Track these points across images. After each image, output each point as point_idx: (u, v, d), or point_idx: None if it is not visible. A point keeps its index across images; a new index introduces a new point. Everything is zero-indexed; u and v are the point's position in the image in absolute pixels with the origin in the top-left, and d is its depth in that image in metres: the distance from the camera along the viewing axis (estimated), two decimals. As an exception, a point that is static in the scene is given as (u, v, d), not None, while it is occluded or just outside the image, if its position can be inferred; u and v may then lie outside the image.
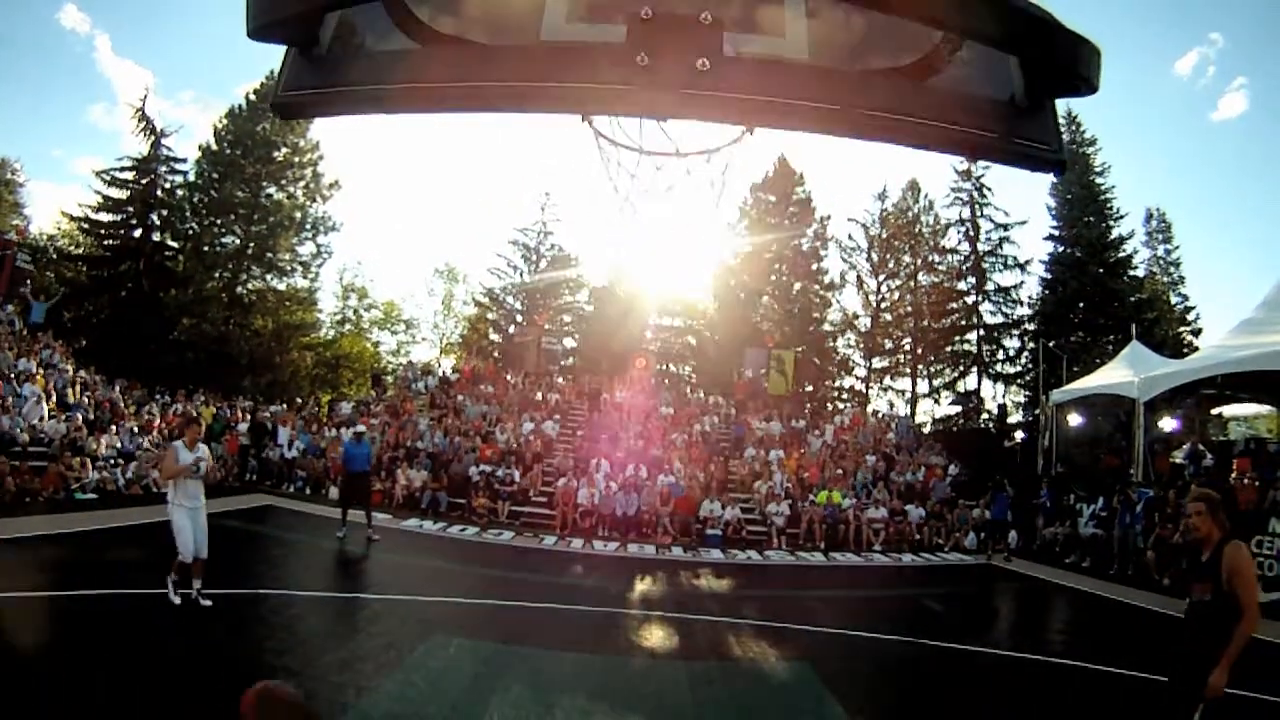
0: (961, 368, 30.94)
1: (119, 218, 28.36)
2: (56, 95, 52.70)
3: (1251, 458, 12.61)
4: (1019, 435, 26.86)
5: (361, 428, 13.11)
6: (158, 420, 15.86)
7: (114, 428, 13.90)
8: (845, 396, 32.08)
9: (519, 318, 33.32)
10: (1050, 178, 27.74)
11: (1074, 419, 17.64)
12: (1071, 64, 1.59)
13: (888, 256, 32.42)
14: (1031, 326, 29.45)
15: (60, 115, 55.05)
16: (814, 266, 32.32)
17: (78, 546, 8.51)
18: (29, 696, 4.13)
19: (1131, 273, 29.26)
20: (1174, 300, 30.83)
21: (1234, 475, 12.12)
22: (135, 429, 14.58)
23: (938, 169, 58.34)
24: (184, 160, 29.36)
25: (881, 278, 32.45)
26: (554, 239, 35.04)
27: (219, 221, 29.93)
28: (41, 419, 12.99)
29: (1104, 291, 27.71)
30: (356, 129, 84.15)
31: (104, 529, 9.36)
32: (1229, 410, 20.80)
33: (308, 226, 31.24)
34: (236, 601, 6.70)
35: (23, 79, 49.51)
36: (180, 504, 6.20)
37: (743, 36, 1.68)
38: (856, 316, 32.70)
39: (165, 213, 28.96)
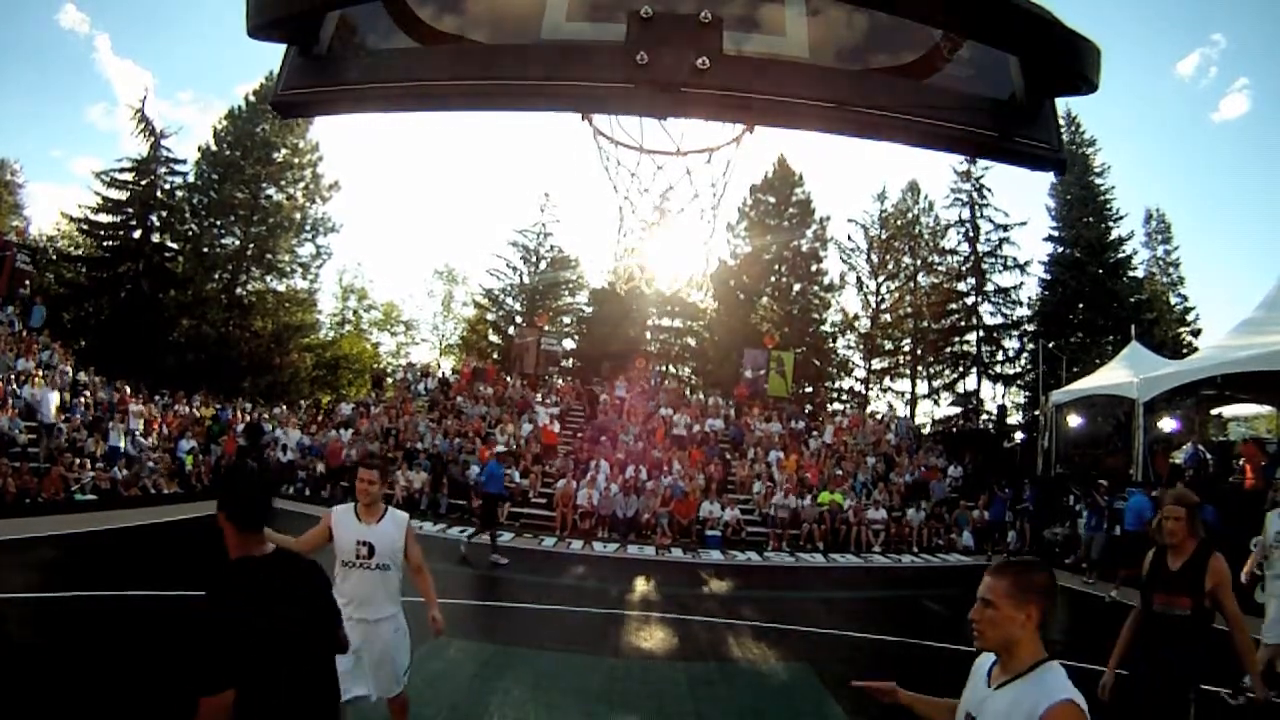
0: (961, 368, 30.92)
1: (118, 219, 28.33)
2: (56, 95, 52.65)
3: (1256, 443, 12.66)
4: (1019, 436, 26.89)
5: (503, 447, 13.12)
6: (158, 419, 15.86)
7: (119, 428, 13.86)
8: (845, 397, 32.08)
9: (518, 319, 33.30)
10: (1050, 178, 27.83)
11: (1073, 420, 17.63)
12: (1072, 63, 1.59)
13: (887, 257, 32.41)
14: (1031, 327, 29.43)
15: (59, 116, 54.93)
16: (813, 267, 32.31)
17: (79, 548, 8.50)
18: (29, 697, 4.12)
19: (1131, 273, 29.24)
20: (1173, 301, 30.81)
21: (1239, 459, 12.21)
22: (138, 429, 14.56)
23: (937, 169, 58.54)
24: (184, 161, 29.38)
25: (881, 278, 32.45)
26: (553, 240, 35.08)
27: (218, 223, 29.89)
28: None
29: (1103, 292, 27.71)
30: (356, 129, 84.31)
31: (105, 530, 9.35)
32: (1229, 411, 20.82)
33: (307, 228, 31.21)
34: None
35: (22, 79, 49.51)
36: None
37: (743, 35, 1.68)
38: (856, 317, 32.70)
39: (165, 214, 28.93)
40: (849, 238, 32.81)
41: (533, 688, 5.19)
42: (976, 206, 30.73)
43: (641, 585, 9.88)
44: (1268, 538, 5.30)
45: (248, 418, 17.55)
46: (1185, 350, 23.95)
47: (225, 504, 2.02)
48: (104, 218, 28.23)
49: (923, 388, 31.76)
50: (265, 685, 1.85)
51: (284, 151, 30.56)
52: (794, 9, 1.72)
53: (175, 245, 29.57)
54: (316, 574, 2.21)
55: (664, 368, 31.45)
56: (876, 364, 32.50)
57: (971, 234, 30.73)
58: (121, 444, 13.46)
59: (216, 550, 2.00)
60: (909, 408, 30.55)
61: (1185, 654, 3.00)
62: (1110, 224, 29.38)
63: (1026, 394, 28.51)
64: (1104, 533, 11.51)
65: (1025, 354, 29.49)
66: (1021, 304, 30.17)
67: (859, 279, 32.54)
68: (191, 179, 29.60)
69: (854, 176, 70.33)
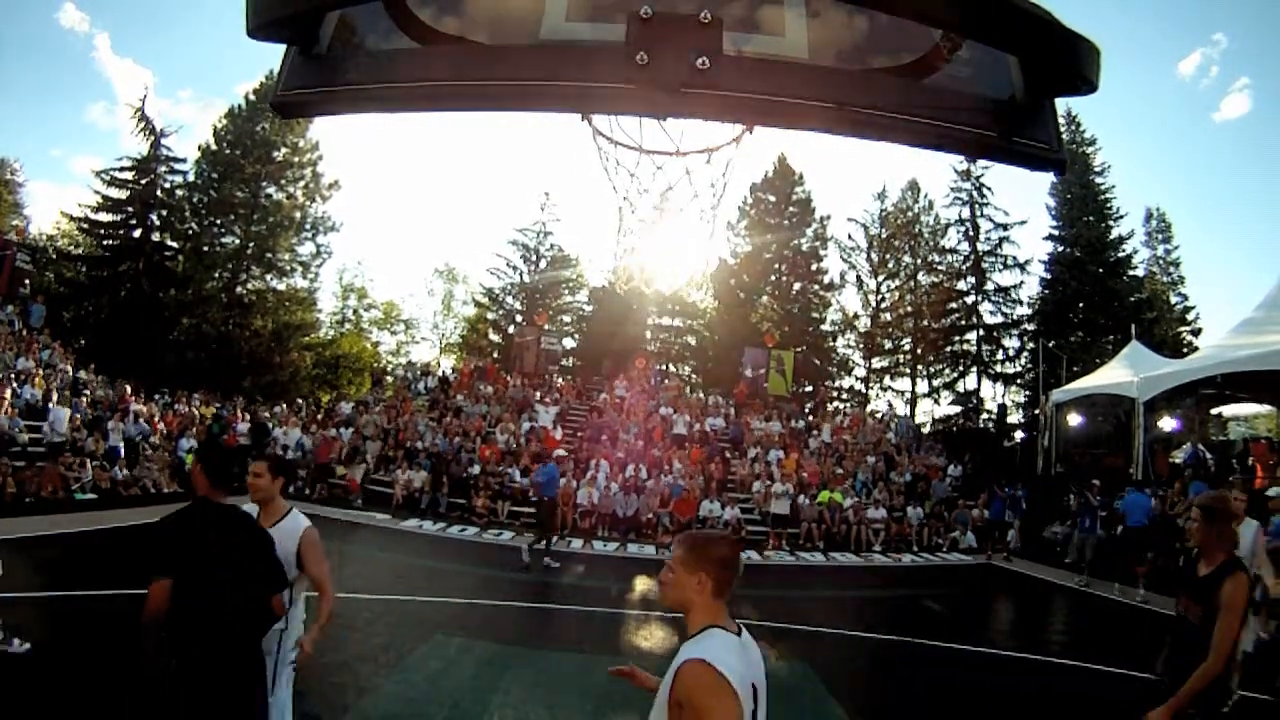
0: (961, 368, 30.93)
1: (118, 218, 28.32)
2: (56, 94, 52.88)
3: (1268, 443, 12.62)
4: (1019, 435, 26.89)
5: (562, 451, 13.17)
6: (158, 418, 15.85)
7: (121, 425, 13.83)
8: (845, 396, 32.08)
9: (518, 318, 33.30)
10: (1050, 177, 27.82)
11: (1074, 419, 17.64)
12: (1072, 63, 1.59)
13: (887, 256, 32.43)
14: (1031, 326, 29.45)
15: (59, 115, 55.19)
16: (813, 266, 32.32)
17: (79, 547, 8.51)
18: (29, 697, 4.13)
19: (1131, 273, 29.28)
20: (1174, 300, 30.83)
21: (1249, 459, 12.21)
22: (143, 422, 14.55)
23: (937, 169, 58.53)
24: (183, 160, 29.38)
25: (881, 278, 32.46)
26: (553, 239, 35.11)
27: (218, 221, 29.90)
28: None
29: (1104, 291, 27.72)
30: (356, 129, 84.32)
31: (105, 529, 9.36)
32: (1229, 410, 20.83)
33: (307, 226, 31.20)
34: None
35: (22, 78, 49.53)
36: None
37: (743, 35, 1.68)
38: (856, 316, 32.74)
39: (165, 213, 28.92)
40: (849, 237, 32.94)
41: (533, 687, 5.19)
42: (976, 206, 30.74)
43: (642, 584, 9.89)
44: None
45: (248, 416, 17.55)
46: (1185, 350, 23.97)
47: (203, 455, 2.62)
48: (104, 216, 28.23)
49: (923, 387, 31.85)
50: (194, 598, 2.40)
51: (284, 150, 30.55)
52: (794, 9, 1.72)
53: (175, 244, 29.57)
54: (264, 536, 2.65)
55: (664, 367, 31.44)
56: (876, 363, 32.52)
57: (971, 233, 30.75)
58: (120, 444, 13.45)
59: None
60: (909, 407, 30.55)
61: (1197, 663, 2.96)
62: (1110, 223, 29.42)
63: (1026, 393, 28.52)
64: (1095, 534, 11.51)
65: (1025, 353, 29.50)
66: (1022, 303, 30.25)
67: (859, 278, 32.63)
68: (191, 178, 29.64)
69: (854, 176, 70.49)
